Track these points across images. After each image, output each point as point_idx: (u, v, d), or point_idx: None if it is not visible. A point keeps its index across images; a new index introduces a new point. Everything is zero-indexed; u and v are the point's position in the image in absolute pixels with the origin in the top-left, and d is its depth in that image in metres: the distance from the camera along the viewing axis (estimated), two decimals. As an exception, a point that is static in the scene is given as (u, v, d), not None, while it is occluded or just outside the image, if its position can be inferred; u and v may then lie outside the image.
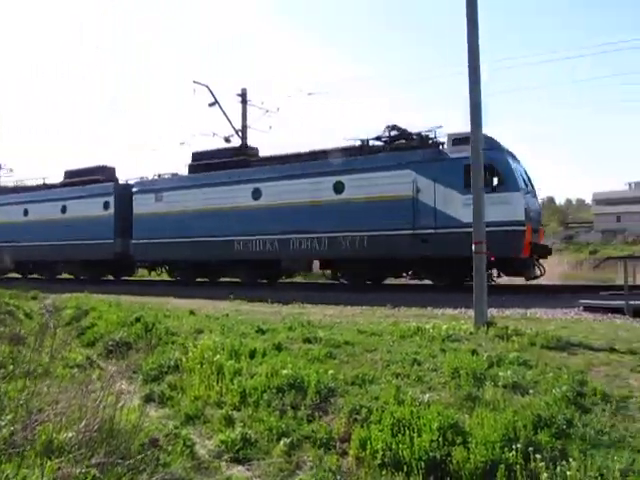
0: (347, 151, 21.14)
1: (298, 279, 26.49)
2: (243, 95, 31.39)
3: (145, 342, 11.10)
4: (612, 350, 9.30)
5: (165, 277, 27.52)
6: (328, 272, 21.98)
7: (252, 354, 9.62)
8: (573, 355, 9.03)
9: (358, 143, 21.12)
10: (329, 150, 21.57)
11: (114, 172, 30.08)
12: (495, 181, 17.65)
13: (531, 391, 7.46)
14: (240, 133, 30.63)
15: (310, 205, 20.79)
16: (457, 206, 17.94)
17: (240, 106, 31.32)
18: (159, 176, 26.82)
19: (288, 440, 6.83)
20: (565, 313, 13.08)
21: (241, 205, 22.61)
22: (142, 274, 31.18)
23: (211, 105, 29.57)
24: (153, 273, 27.92)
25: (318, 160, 21.25)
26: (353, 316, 13.63)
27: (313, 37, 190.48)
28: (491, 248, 15.70)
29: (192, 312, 14.56)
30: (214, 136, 30.69)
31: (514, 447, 5.85)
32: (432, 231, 18.36)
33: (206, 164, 24.62)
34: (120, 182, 28.95)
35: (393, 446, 6.23)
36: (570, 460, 5.68)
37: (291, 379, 8.08)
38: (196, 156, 25.63)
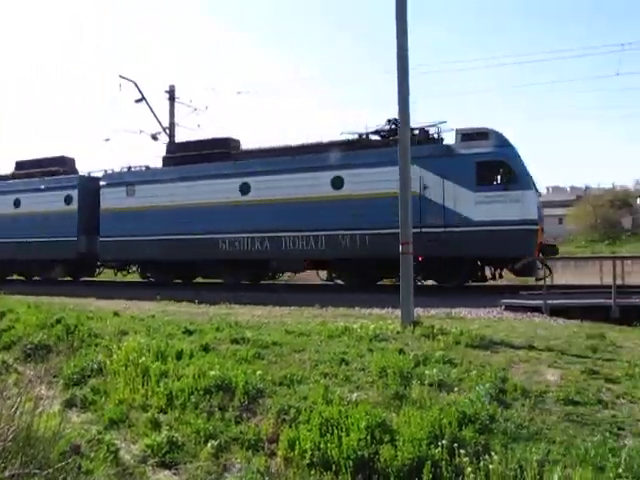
0: (347, 145, 19.89)
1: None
2: (171, 92, 30.82)
3: (66, 345, 10.71)
4: (531, 348, 9.67)
5: (132, 278, 25.23)
6: (323, 273, 20.47)
7: (179, 355, 9.45)
8: (495, 353, 9.33)
9: (355, 136, 20.04)
10: (327, 143, 20.25)
11: (74, 163, 27.04)
12: (508, 179, 17.09)
13: (456, 389, 7.65)
14: (168, 130, 30.06)
15: (306, 201, 19.38)
16: (468, 204, 17.24)
17: (168, 103, 30.76)
18: (129, 169, 24.35)
19: (216, 442, 6.75)
20: (488, 312, 13.51)
21: (227, 200, 20.87)
22: (107, 274, 27.54)
23: (137, 101, 28.87)
24: (120, 274, 25.22)
25: (315, 154, 19.86)
26: (281, 316, 13.61)
27: (250, 37, 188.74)
28: (504, 248, 16.48)
29: (116, 313, 14.16)
30: (141, 133, 29.97)
31: (440, 444, 5.99)
32: (441, 230, 17.42)
33: (183, 156, 22.68)
34: (83, 174, 26.14)
35: (322, 446, 6.26)
36: (493, 454, 5.86)
37: (219, 380, 7.98)
38: (172, 148, 23.84)
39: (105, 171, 24.62)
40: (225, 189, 20.86)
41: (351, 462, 6.03)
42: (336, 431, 6.42)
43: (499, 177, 17.33)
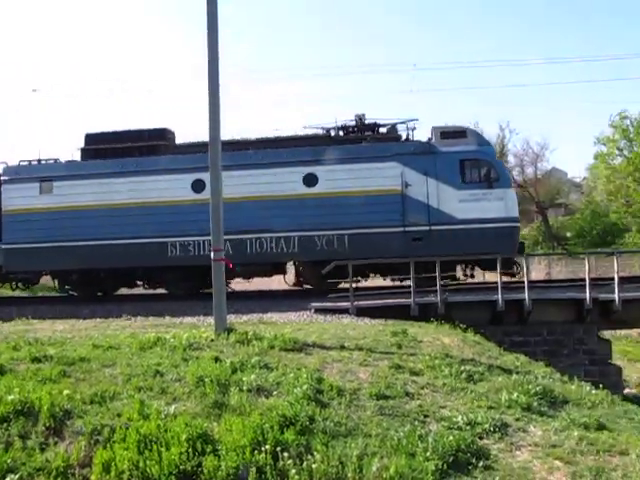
0: (317, 139, 18.77)
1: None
2: None
3: None
4: (342, 348, 10.10)
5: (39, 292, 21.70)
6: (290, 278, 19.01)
7: (-35, 382, 8.38)
8: (309, 355, 9.59)
9: (322, 132, 18.94)
10: (294, 137, 18.93)
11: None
12: (491, 177, 17.09)
13: (275, 393, 7.72)
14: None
15: (275, 199, 17.72)
16: (452, 202, 16.99)
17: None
18: (39, 161, 19.98)
19: (16, 476, 6.08)
20: (299, 316, 13.87)
21: (178, 199, 18.22)
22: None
23: None
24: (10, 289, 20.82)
25: (282, 148, 18.36)
26: (87, 330, 12.73)
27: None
28: (489, 245, 16.23)
29: None
30: None
31: (263, 449, 5.98)
32: (425, 228, 17.04)
33: (112, 149, 19.22)
34: None
35: (140, 464, 5.94)
36: (315, 454, 5.99)
37: (18, 405, 7.22)
38: (93, 139, 19.90)
39: (5, 163, 20.07)
40: (174, 186, 18.34)
41: (173, 477, 5.79)
42: (155, 447, 6.13)
43: (483, 175, 17.32)
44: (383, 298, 14.86)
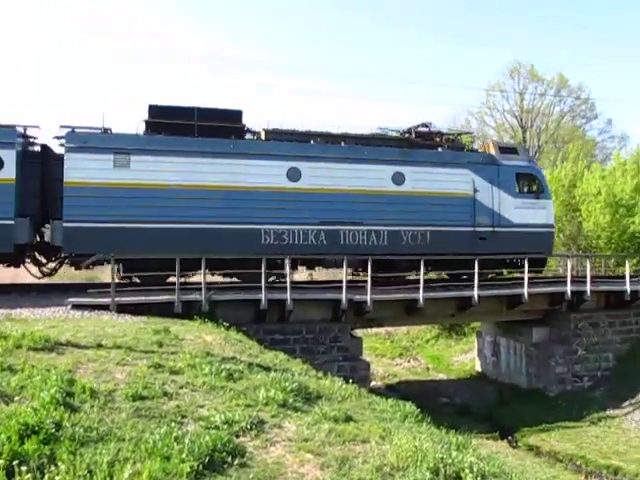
0: (399, 141, 20.09)
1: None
2: None
3: None
4: (100, 346, 9.54)
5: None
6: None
7: None
8: (62, 355, 8.90)
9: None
10: (382, 137, 20.16)
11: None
12: (538, 189, 20.46)
13: (17, 398, 7.00)
14: None
15: (367, 194, 18.47)
16: (510, 208, 19.72)
17: None
18: (105, 130, 17.12)
19: None
20: (54, 312, 12.80)
21: (273, 186, 17.65)
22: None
23: None
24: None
25: (367, 146, 19.21)
26: None
27: None
28: (535, 246, 19.61)
29: None
30: None
31: (-4, 463, 5.35)
32: (490, 229, 19.43)
33: (183, 125, 17.46)
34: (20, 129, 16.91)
35: None
36: (59, 464, 5.53)
37: None
38: (158, 112, 17.62)
39: (72, 130, 16.74)
40: (272, 173, 17.72)
41: None
42: None
43: (532, 187, 20.60)
44: (147, 295, 14.38)
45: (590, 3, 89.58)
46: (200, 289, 14.52)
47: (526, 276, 18.36)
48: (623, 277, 20.82)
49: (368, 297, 16.09)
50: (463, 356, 25.96)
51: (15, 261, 16.69)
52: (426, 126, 20.95)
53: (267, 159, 17.76)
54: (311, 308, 16.29)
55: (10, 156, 15.86)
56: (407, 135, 20.43)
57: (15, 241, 15.67)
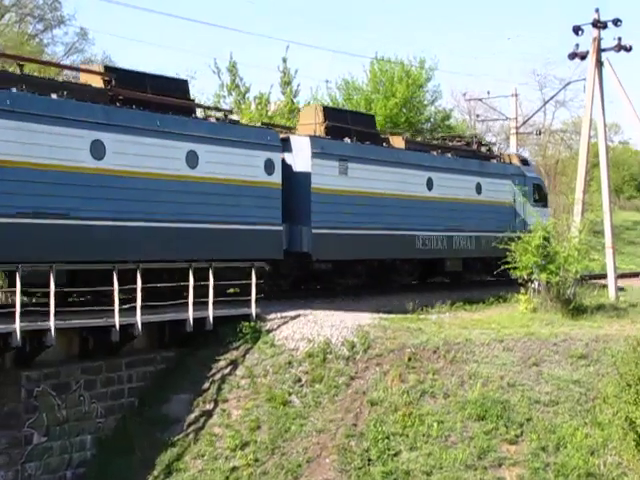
0: (465, 152, 22.26)
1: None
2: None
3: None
4: None
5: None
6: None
7: None
8: None
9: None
10: (456, 148, 22.43)
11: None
12: (543, 198, 24.46)
13: None
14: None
15: (459, 202, 20.80)
16: (530, 215, 20.85)
17: None
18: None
19: None
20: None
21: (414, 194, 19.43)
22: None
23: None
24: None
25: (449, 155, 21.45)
26: None
27: None
28: None
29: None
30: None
31: None
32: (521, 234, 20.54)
33: (356, 131, 18.31)
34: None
35: None
36: None
37: None
38: (332, 115, 18.38)
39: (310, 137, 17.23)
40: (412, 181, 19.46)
41: None
42: None
43: (541, 196, 24.24)
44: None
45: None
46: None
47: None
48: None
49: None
50: None
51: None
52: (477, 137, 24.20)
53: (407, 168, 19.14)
54: None
55: (278, 160, 15.91)
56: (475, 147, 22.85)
57: (284, 247, 16.02)
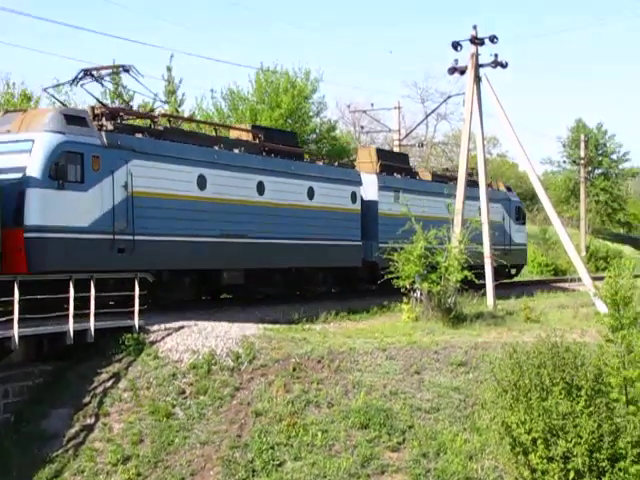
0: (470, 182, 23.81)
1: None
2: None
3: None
4: None
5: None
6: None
7: None
8: None
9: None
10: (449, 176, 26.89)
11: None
12: (523, 218, 31.59)
13: None
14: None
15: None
16: (514, 232, 29.65)
17: None
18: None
19: None
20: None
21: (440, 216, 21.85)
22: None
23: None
24: None
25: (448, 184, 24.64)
26: None
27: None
28: (520, 259, 31.00)
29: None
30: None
31: None
32: (509, 247, 28.49)
33: (403, 169, 24.69)
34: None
35: None
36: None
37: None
38: (384, 156, 24.35)
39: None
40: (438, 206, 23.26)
41: None
42: None
43: (521, 216, 31.10)
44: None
45: None
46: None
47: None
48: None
49: None
50: None
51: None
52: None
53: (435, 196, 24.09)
54: None
55: (359, 192, 21.58)
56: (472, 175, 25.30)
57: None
